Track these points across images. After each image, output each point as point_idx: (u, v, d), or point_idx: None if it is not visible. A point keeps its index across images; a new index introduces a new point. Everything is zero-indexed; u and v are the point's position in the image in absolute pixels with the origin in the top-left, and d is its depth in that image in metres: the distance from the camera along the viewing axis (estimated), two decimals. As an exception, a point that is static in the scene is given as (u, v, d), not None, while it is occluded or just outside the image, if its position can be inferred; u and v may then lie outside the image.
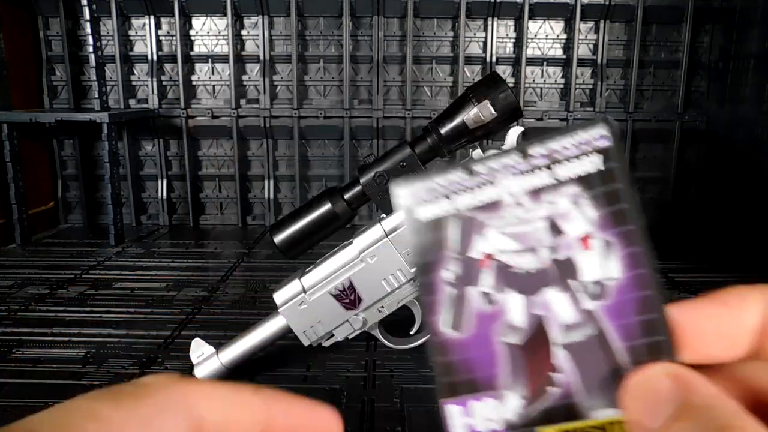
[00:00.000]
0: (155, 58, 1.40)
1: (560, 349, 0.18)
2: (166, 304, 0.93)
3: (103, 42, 1.39)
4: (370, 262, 0.60)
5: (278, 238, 0.61)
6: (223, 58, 1.41)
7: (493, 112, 0.56)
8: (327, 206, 0.60)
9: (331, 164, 1.47)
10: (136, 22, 1.41)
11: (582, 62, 1.40)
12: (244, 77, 1.43)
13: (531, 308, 0.18)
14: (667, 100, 1.43)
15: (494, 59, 1.40)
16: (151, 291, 0.98)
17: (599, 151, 0.18)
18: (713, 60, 1.40)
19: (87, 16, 1.22)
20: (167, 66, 1.43)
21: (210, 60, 1.42)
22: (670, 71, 1.42)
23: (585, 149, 0.18)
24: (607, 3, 1.36)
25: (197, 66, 1.43)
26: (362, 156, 1.44)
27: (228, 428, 0.17)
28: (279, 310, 0.64)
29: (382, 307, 0.62)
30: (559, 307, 0.18)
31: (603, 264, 0.18)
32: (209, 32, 1.41)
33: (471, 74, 1.42)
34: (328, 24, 1.40)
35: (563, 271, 0.18)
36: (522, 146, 0.18)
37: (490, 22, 1.39)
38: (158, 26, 1.40)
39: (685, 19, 1.37)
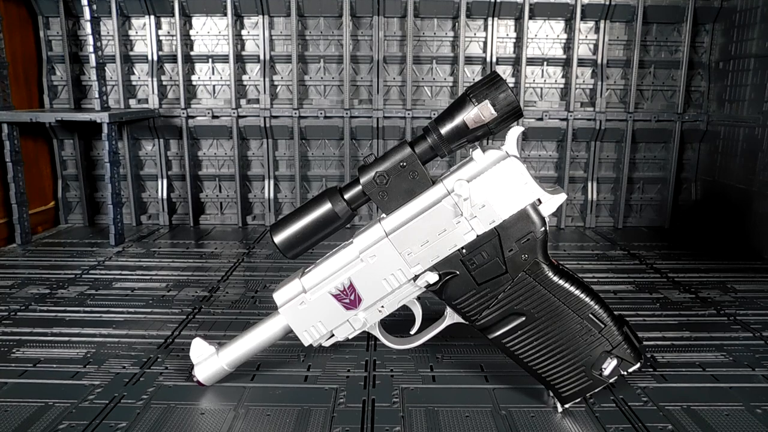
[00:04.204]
0: (155, 58, 1.40)
1: None
2: (166, 304, 0.93)
3: (103, 42, 1.39)
4: (370, 261, 0.60)
5: (278, 238, 0.61)
6: (223, 58, 1.42)
7: (493, 112, 0.56)
8: (327, 206, 0.60)
9: (331, 164, 1.47)
10: (136, 22, 1.41)
11: (582, 62, 1.40)
12: (244, 77, 1.43)
13: None
14: (667, 100, 1.44)
15: (494, 59, 1.40)
16: (151, 291, 0.98)
17: None
18: (713, 60, 1.41)
19: (87, 16, 1.22)
20: (167, 66, 1.43)
21: (210, 60, 1.42)
22: (670, 71, 1.42)
23: None
24: (607, 3, 1.36)
25: (197, 66, 1.43)
26: (362, 156, 1.44)
27: None
28: (279, 309, 0.64)
29: (382, 306, 0.62)
30: None
31: None
32: (209, 32, 1.41)
33: (471, 74, 1.42)
34: (328, 24, 1.40)
35: None
36: None
37: (490, 22, 1.39)
38: (158, 26, 1.40)
39: (685, 19, 1.37)
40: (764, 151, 1.20)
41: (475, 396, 0.65)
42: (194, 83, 1.44)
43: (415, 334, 0.66)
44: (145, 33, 1.40)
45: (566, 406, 0.61)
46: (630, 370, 0.59)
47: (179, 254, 1.21)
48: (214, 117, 1.43)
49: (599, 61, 1.39)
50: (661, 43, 1.41)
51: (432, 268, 0.60)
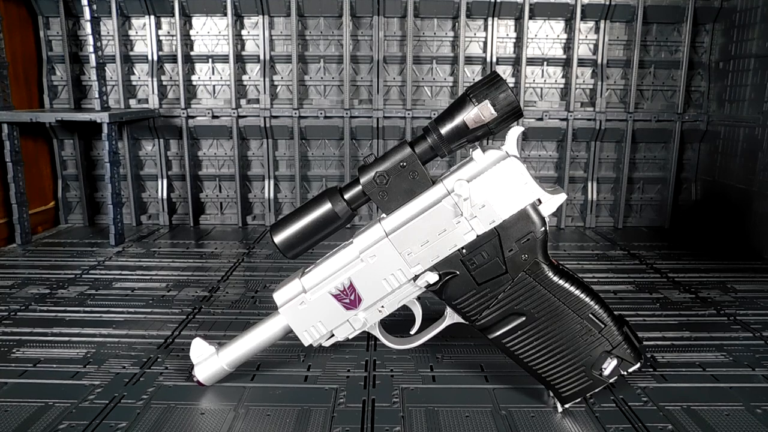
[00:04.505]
0: (155, 58, 1.40)
1: None
2: (166, 304, 0.93)
3: (104, 42, 1.39)
4: (370, 261, 0.60)
5: (278, 238, 0.61)
6: (223, 58, 1.42)
7: (493, 112, 0.56)
8: (327, 206, 0.60)
9: (331, 164, 1.47)
10: (136, 22, 1.41)
11: (582, 62, 1.40)
12: (244, 77, 1.43)
13: None
14: (667, 100, 1.44)
15: (494, 59, 1.40)
16: (151, 291, 0.98)
17: None
18: (713, 60, 1.41)
19: (87, 16, 1.22)
20: (167, 66, 1.43)
21: (210, 60, 1.42)
22: (670, 71, 1.42)
23: None
24: (607, 3, 1.36)
25: (197, 66, 1.43)
26: (362, 156, 1.44)
27: None
28: (279, 309, 0.64)
29: (382, 306, 0.62)
30: None
31: None
32: (209, 32, 1.41)
33: (471, 74, 1.42)
34: (328, 24, 1.40)
35: None
36: None
37: (490, 22, 1.39)
38: (158, 26, 1.40)
39: (685, 19, 1.37)
40: (764, 151, 1.20)
41: (475, 396, 0.65)
42: (194, 83, 1.44)
43: (415, 334, 0.66)
44: (145, 33, 1.40)
45: (566, 406, 0.61)
46: (630, 370, 0.59)
47: (179, 254, 1.21)
48: (214, 117, 1.43)
49: (599, 61, 1.39)
50: (661, 43, 1.41)
51: (432, 268, 0.60)
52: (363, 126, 1.42)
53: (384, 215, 0.61)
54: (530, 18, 1.37)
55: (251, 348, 0.66)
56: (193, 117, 1.43)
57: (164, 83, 1.43)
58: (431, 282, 0.60)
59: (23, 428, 0.59)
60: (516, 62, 1.41)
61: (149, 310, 0.90)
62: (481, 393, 0.66)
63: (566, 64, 1.41)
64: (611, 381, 0.59)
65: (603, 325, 0.58)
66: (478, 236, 0.58)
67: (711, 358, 0.74)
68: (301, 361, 0.73)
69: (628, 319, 0.62)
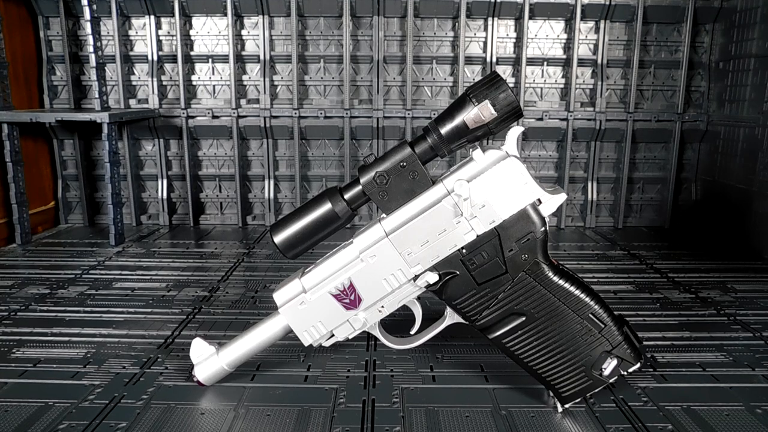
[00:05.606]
0: (155, 58, 1.40)
1: None
2: (166, 304, 0.93)
3: (104, 42, 1.39)
4: (371, 261, 0.60)
5: (278, 238, 0.61)
6: (223, 58, 1.42)
7: (493, 112, 0.56)
8: (327, 206, 0.60)
9: (331, 164, 1.47)
10: (136, 22, 1.41)
11: (582, 62, 1.40)
12: (244, 77, 1.43)
13: None
14: (667, 100, 1.44)
15: (494, 59, 1.40)
16: (151, 291, 0.98)
17: None
18: (713, 60, 1.41)
19: (87, 16, 1.22)
20: (167, 66, 1.43)
21: (210, 60, 1.42)
22: (670, 71, 1.42)
23: None
24: (607, 3, 1.36)
25: (197, 66, 1.43)
26: (362, 156, 1.44)
27: None
28: (279, 309, 0.64)
29: (382, 306, 0.62)
30: None
31: None
32: (209, 32, 1.41)
33: (471, 74, 1.42)
34: (328, 24, 1.40)
35: None
36: None
37: (490, 22, 1.39)
38: (158, 26, 1.40)
39: (685, 19, 1.37)
40: (764, 151, 1.20)
41: (475, 396, 0.65)
42: (194, 83, 1.44)
43: (415, 334, 0.66)
44: (145, 33, 1.40)
45: (566, 406, 0.61)
46: (630, 370, 0.59)
47: (179, 254, 1.21)
48: (214, 117, 1.43)
49: (599, 61, 1.39)
50: (661, 43, 1.41)
51: (432, 268, 0.60)
52: (363, 126, 1.42)
53: (384, 215, 0.61)
54: (530, 18, 1.37)
55: (251, 348, 0.66)
56: (193, 117, 1.43)
57: (164, 83, 1.43)
58: (431, 282, 0.60)
59: (23, 428, 0.59)
60: (516, 62, 1.41)
61: (149, 310, 0.90)
62: (481, 393, 0.66)
63: (566, 64, 1.41)
64: (611, 381, 0.59)
65: (603, 325, 0.58)
66: (478, 236, 0.58)
67: (711, 358, 0.74)
68: (301, 361, 0.74)
69: (628, 319, 0.62)
